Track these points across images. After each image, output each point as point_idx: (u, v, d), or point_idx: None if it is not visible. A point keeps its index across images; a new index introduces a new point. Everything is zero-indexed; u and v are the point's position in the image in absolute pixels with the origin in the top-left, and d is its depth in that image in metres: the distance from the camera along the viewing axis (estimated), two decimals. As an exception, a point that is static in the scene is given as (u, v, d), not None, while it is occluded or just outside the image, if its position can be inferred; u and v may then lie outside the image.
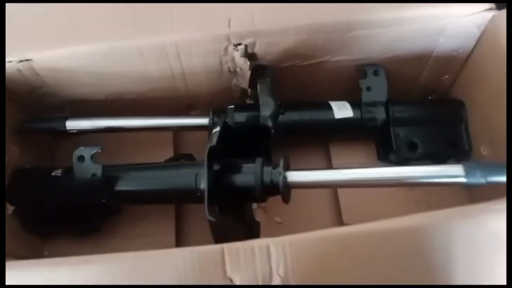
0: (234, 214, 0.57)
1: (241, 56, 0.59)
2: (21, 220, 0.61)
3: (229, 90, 0.67)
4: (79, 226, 0.62)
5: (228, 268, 0.44)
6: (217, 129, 0.52)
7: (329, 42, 0.61)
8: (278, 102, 0.58)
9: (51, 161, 0.70)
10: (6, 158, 0.59)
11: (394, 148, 0.65)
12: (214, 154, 0.50)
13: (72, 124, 0.62)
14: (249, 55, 0.60)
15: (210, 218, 0.47)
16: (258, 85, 0.57)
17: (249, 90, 0.67)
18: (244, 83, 0.66)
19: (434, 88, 0.72)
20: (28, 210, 0.61)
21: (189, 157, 0.62)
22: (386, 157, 0.69)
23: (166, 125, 0.66)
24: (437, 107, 0.69)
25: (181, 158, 0.62)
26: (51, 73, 0.59)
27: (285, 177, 0.51)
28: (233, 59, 0.60)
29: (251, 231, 0.60)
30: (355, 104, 0.65)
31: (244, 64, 0.60)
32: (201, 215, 0.65)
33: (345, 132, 0.67)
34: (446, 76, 0.69)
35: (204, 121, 0.64)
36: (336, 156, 0.70)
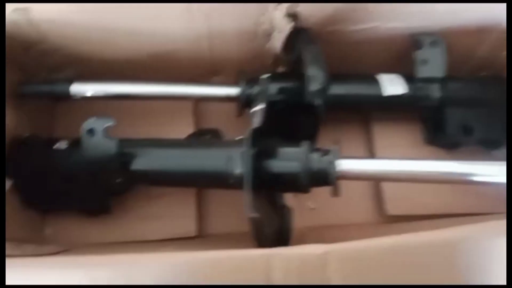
0: (267, 202, 0.50)
1: (283, 16, 0.50)
2: (21, 195, 0.52)
3: (261, 56, 0.58)
4: (87, 204, 0.54)
5: (275, 277, 0.37)
6: (261, 106, 0.43)
7: (381, 6, 0.52)
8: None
9: (50, 129, 0.61)
10: (1, 126, 0.50)
11: (447, 131, 0.57)
12: (255, 136, 0.42)
13: (78, 89, 0.52)
14: (292, 16, 0.50)
15: (253, 215, 0.40)
16: (305, 53, 0.48)
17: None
18: (279, 49, 0.56)
19: (489, 64, 0.63)
20: (28, 184, 0.52)
21: (215, 134, 0.54)
22: (434, 141, 0.61)
23: (186, 94, 0.56)
24: (496, 86, 0.60)
25: (205, 134, 0.54)
26: (53, 26, 0.49)
27: (336, 166, 0.43)
28: (272, 19, 0.50)
29: (282, 218, 0.53)
30: (407, 80, 0.56)
31: (285, 26, 0.51)
32: (227, 195, 0.58)
33: (393, 110, 0.59)
34: (504, 52, 0.61)
35: (232, 91, 0.55)
36: (379, 137, 0.62)
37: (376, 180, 0.58)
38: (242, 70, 0.57)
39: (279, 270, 0.37)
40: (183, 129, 0.59)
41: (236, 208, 0.60)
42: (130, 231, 0.57)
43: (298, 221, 0.57)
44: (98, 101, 0.56)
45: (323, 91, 0.47)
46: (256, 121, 0.42)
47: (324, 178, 0.44)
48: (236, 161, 0.45)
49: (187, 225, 0.57)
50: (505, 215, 0.42)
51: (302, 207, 0.60)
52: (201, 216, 0.58)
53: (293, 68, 0.58)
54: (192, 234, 0.56)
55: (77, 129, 0.56)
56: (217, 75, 0.62)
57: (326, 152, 0.45)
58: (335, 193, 0.45)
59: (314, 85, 0.47)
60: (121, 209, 0.57)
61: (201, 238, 0.57)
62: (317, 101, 0.47)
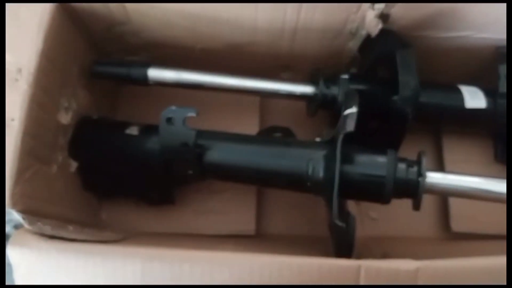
0: (342, 209, 0.48)
1: (375, 17, 0.47)
2: (83, 177, 0.51)
3: (338, 55, 0.56)
4: (151, 193, 0.53)
5: (362, 288, 0.36)
6: (353, 110, 0.41)
7: (478, 14, 0.49)
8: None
9: (111, 111, 0.60)
10: (75, 105, 0.48)
11: (525, 152, 0.55)
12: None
13: (155, 74, 0.51)
14: (383, 16, 0.48)
15: (340, 224, 0.38)
16: (399, 57, 0.46)
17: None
18: (356, 49, 0.54)
19: None
20: (92, 167, 0.51)
21: (287, 132, 0.52)
22: (506, 159, 0.58)
23: (257, 89, 0.54)
24: None
25: (276, 132, 0.52)
26: (138, 7, 0.47)
27: (424, 179, 0.41)
28: (363, 18, 0.48)
29: (347, 225, 0.51)
30: (488, 93, 0.54)
31: (375, 27, 0.49)
32: (288, 196, 0.56)
33: (471, 124, 0.56)
34: None
35: (307, 89, 0.53)
36: (449, 150, 0.59)
37: (462, 197, 0.56)
38: (317, 68, 0.55)
39: (368, 282, 0.36)
40: (248, 124, 0.58)
41: (295, 210, 0.59)
42: (187, 224, 0.55)
43: (359, 231, 0.55)
44: (162, 89, 0.55)
45: (414, 98, 0.45)
46: (350, 125, 0.40)
47: (410, 189, 0.42)
48: (317, 164, 0.43)
49: (246, 223, 0.55)
50: None
51: (364, 216, 0.58)
52: (260, 215, 0.57)
53: (367, 71, 0.56)
54: (251, 232, 0.55)
55: (139, 114, 0.55)
56: (285, 71, 0.60)
57: (413, 163, 0.43)
58: (417, 206, 0.43)
59: (406, 91, 0.45)
60: (180, 201, 0.56)
61: (258, 238, 0.56)
62: (407, 108, 0.45)
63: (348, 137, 0.41)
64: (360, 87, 0.52)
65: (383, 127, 0.49)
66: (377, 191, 0.42)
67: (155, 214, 0.55)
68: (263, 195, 0.58)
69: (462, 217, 0.56)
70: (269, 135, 0.52)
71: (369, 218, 0.58)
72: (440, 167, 0.59)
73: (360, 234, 0.55)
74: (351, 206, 0.56)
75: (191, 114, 0.44)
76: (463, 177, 0.43)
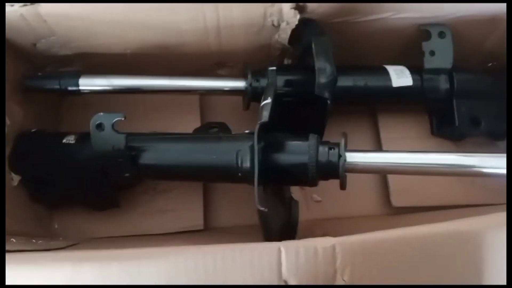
0: (274, 195, 0.50)
1: (290, 8, 0.49)
2: (29, 190, 0.53)
3: (267, 48, 0.57)
4: (95, 199, 0.54)
5: (284, 269, 0.37)
6: (268, 100, 0.43)
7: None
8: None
9: (56, 123, 0.61)
10: (8, 121, 0.50)
11: (455, 123, 0.57)
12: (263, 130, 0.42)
13: (86, 82, 0.52)
14: (300, 7, 0.50)
15: (262, 208, 0.40)
16: (314, 45, 0.48)
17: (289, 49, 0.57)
18: (286, 41, 0.56)
19: (498, 55, 0.63)
20: (36, 179, 0.52)
21: (223, 127, 0.53)
22: (441, 132, 0.61)
23: (193, 87, 0.56)
24: (504, 77, 0.60)
25: (213, 128, 0.54)
26: (60, 20, 0.48)
27: (345, 160, 0.43)
28: (280, 10, 0.50)
29: (289, 211, 0.53)
30: (414, 71, 0.56)
31: (292, 18, 0.50)
32: (233, 189, 0.58)
33: (401, 102, 0.58)
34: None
35: (239, 84, 0.55)
36: (385, 128, 0.62)
37: (383, 173, 0.58)
38: (248, 62, 0.57)
39: (288, 263, 0.37)
40: (190, 123, 0.59)
41: (243, 201, 0.60)
42: (137, 225, 0.57)
43: (304, 214, 0.58)
44: (104, 96, 0.56)
45: (331, 84, 0.47)
46: (265, 115, 0.42)
47: (333, 171, 0.44)
48: (245, 155, 0.45)
49: (194, 219, 0.57)
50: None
51: (308, 199, 0.60)
52: (208, 209, 0.59)
53: (299, 61, 0.58)
54: (199, 227, 0.57)
55: (83, 123, 0.56)
56: (221, 68, 0.62)
57: (334, 145, 0.44)
58: (342, 186, 0.45)
59: (322, 78, 0.47)
60: (128, 204, 0.57)
61: (207, 232, 0.58)
62: (326, 94, 0.47)
63: (268, 126, 0.43)
64: (289, 77, 0.54)
65: (309, 113, 0.51)
66: (301, 175, 0.44)
67: (105, 219, 0.57)
68: (210, 189, 0.60)
69: (402, 192, 0.58)
70: (204, 131, 0.53)
71: (314, 201, 0.60)
72: (378, 146, 0.61)
73: (304, 217, 0.58)
74: (296, 191, 0.59)
75: (119, 118, 0.46)
76: (381, 154, 0.45)
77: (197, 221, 0.57)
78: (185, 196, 0.58)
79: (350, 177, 0.48)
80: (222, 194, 0.60)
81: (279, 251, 0.37)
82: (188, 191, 0.58)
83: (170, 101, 0.61)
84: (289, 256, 0.37)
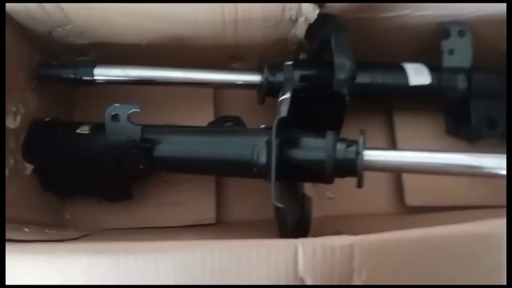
0: (288, 191, 0.50)
1: (310, 3, 0.48)
2: (41, 179, 0.52)
3: (284, 42, 0.57)
4: (108, 190, 0.54)
5: (300, 267, 0.37)
6: (287, 96, 0.42)
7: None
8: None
9: (69, 113, 0.61)
10: (23, 110, 0.49)
11: (471, 123, 0.56)
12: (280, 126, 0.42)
13: (101, 72, 0.52)
14: (319, 1, 0.49)
15: (279, 205, 0.39)
16: (333, 40, 0.47)
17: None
18: (302, 35, 0.55)
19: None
20: (48, 169, 0.52)
21: (237, 121, 0.53)
22: (457, 132, 0.60)
23: (208, 80, 0.55)
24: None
25: (227, 121, 0.53)
26: (78, 9, 0.48)
27: (363, 157, 0.43)
28: (299, 5, 0.49)
29: (303, 207, 0.53)
30: (432, 69, 0.55)
31: (311, 13, 0.50)
32: (247, 183, 0.57)
33: (417, 101, 0.58)
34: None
35: (254, 78, 0.54)
36: (400, 126, 0.61)
37: (400, 172, 0.57)
38: (264, 56, 0.56)
39: (305, 260, 0.37)
40: (203, 116, 0.59)
41: (255, 196, 0.60)
42: (149, 217, 0.57)
43: (317, 211, 0.57)
44: (118, 86, 0.55)
45: (350, 80, 0.46)
46: (283, 110, 0.41)
47: (350, 168, 0.44)
48: (261, 150, 0.44)
49: (206, 212, 0.57)
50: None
51: (321, 196, 0.60)
52: (220, 203, 0.58)
53: (315, 56, 0.57)
54: (212, 221, 0.56)
55: (97, 114, 0.56)
56: (236, 62, 0.61)
57: (351, 143, 0.44)
58: (359, 184, 0.45)
59: (341, 74, 0.46)
60: (140, 195, 0.57)
61: (220, 225, 0.58)
62: (344, 91, 0.46)
63: (285, 122, 0.42)
64: (305, 72, 0.53)
65: (326, 109, 0.50)
66: (318, 172, 0.44)
67: (117, 211, 0.57)
68: (223, 183, 0.59)
69: (416, 191, 0.58)
70: (219, 125, 0.53)
71: (327, 198, 0.59)
72: (393, 144, 0.61)
73: (317, 214, 0.57)
74: (309, 188, 0.58)
75: (135, 109, 0.45)
76: (399, 153, 0.44)
77: (209, 215, 0.57)
78: (197, 189, 0.57)
79: (364, 174, 0.47)
80: (235, 188, 0.59)
81: (296, 248, 0.37)
82: (200, 184, 0.58)
83: (185, 93, 0.60)
84: (306, 253, 0.37)
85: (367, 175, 0.45)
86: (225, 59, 0.60)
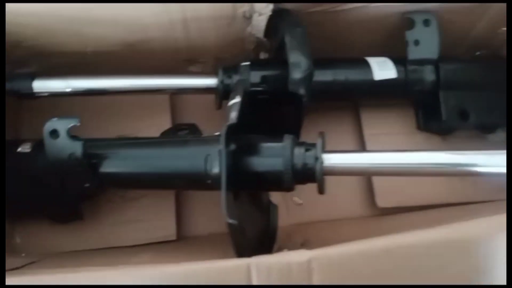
0: (249, 200, 0.46)
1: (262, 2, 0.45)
2: (-15, 203, 0.48)
3: (241, 41, 0.53)
4: (56, 211, 0.50)
5: (255, 288, 0.34)
6: (237, 100, 0.39)
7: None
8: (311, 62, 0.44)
9: (15, 129, 0.56)
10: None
11: (442, 116, 0.53)
12: (232, 132, 0.38)
13: (41, 85, 0.48)
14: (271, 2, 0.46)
15: (231, 221, 0.36)
16: (287, 38, 0.44)
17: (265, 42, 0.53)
18: (261, 33, 0.52)
19: (486, 42, 0.59)
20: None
21: (193, 129, 0.50)
22: (428, 126, 0.57)
23: (162, 87, 0.52)
24: (493, 67, 0.56)
25: (182, 130, 0.50)
26: (14, 16, 0.44)
27: (322, 162, 0.40)
28: (250, 1, 0.46)
29: (267, 216, 0.50)
30: (398, 62, 0.53)
31: (265, 9, 0.47)
32: (207, 196, 0.54)
33: (384, 96, 0.55)
34: (504, 29, 0.56)
35: (210, 81, 0.51)
36: (368, 124, 0.58)
37: (365, 175, 0.54)
38: (220, 57, 0.53)
39: (259, 281, 0.34)
40: (161, 125, 0.55)
41: (218, 208, 0.56)
42: (105, 237, 0.53)
43: (284, 218, 0.54)
44: (66, 99, 0.52)
45: (307, 79, 0.43)
46: (233, 116, 0.38)
47: (309, 175, 0.40)
48: (214, 160, 0.41)
49: (166, 229, 0.53)
50: (500, 203, 0.39)
51: (289, 203, 0.56)
52: (180, 217, 0.55)
53: (276, 55, 0.54)
54: (172, 237, 0.53)
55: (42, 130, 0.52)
56: (193, 65, 0.58)
57: (310, 146, 0.41)
58: (321, 190, 0.42)
59: (296, 73, 0.43)
60: (94, 214, 0.53)
61: (180, 242, 0.54)
62: (301, 90, 0.43)
63: (238, 128, 0.39)
64: (264, 72, 0.50)
65: (285, 111, 0.47)
66: (276, 179, 0.40)
67: (71, 232, 0.52)
68: (183, 196, 0.56)
69: (387, 191, 0.55)
70: (172, 134, 0.49)
71: (294, 204, 0.56)
72: (361, 144, 0.58)
73: (284, 222, 0.54)
74: (275, 194, 0.55)
75: (74, 124, 0.42)
76: (362, 155, 0.41)
77: (170, 231, 0.53)
78: (156, 204, 0.54)
79: (332, 177, 0.44)
80: (196, 200, 0.56)
81: (249, 269, 0.34)
82: (159, 198, 0.54)
83: (139, 102, 0.56)
84: (260, 274, 0.34)
85: (336, 178, 0.42)
86: (180, 62, 0.56)
